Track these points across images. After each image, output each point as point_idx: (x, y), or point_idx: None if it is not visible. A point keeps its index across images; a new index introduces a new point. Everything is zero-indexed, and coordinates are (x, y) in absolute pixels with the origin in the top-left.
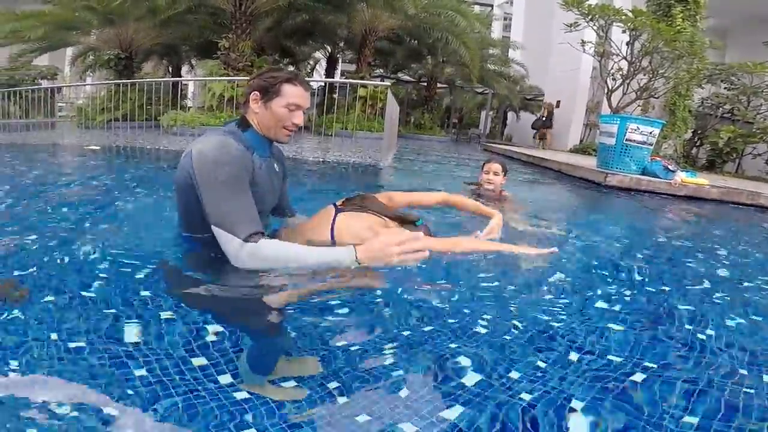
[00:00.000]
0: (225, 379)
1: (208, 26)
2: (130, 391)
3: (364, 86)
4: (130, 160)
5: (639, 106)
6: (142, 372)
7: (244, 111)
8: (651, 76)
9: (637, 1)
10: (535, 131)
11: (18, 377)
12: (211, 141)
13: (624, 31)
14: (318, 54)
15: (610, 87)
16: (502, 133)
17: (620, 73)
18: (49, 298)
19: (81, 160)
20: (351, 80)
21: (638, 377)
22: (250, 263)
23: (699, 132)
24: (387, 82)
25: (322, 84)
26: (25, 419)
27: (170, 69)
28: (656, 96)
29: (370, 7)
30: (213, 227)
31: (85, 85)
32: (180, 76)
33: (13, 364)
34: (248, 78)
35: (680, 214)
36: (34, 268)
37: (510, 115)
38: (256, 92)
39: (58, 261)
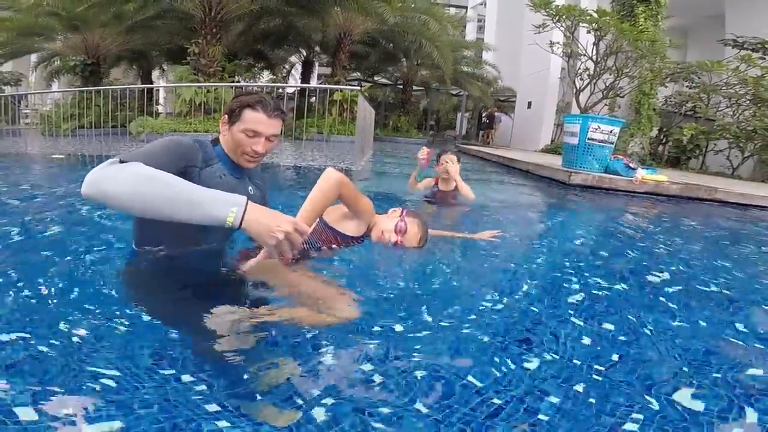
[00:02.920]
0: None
1: (178, 31)
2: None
3: (339, 90)
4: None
5: (606, 105)
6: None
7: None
8: (616, 75)
9: (603, 2)
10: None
11: None
12: (170, 137)
13: (589, 32)
14: (293, 58)
15: (578, 87)
16: (478, 135)
17: (587, 73)
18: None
19: (44, 169)
20: (321, 85)
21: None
22: (90, 182)
23: (664, 130)
24: (357, 87)
25: (298, 88)
26: None
27: (141, 74)
28: (622, 95)
29: (344, 11)
30: None
31: (49, 92)
32: (151, 82)
33: None
34: (220, 84)
35: (638, 211)
36: None
37: (485, 116)
38: (225, 115)
39: (15, 272)
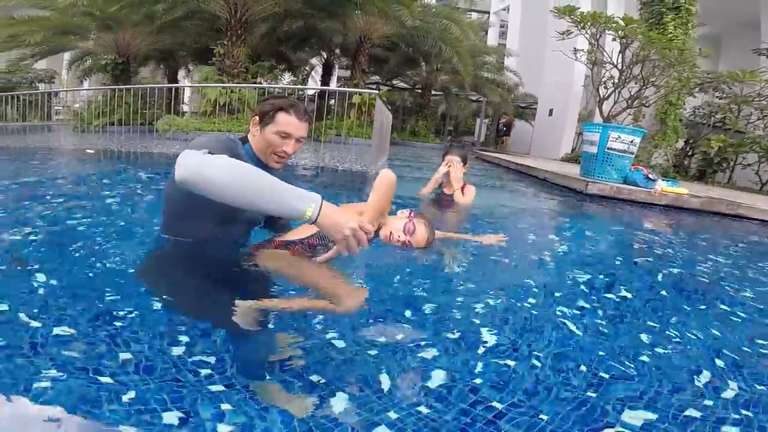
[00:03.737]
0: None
1: (205, 32)
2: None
3: (358, 93)
4: (121, 163)
5: (629, 114)
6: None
7: (247, 131)
8: (642, 84)
9: (630, 8)
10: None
11: None
12: (208, 136)
13: (614, 39)
14: (314, 60)
15: (601, 95)
16: (497, 141)
17: (611, 81)
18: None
19: (76, 163)
20: (337, 88)
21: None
22: (191, 166)
23: (691, 141)
24: (374, 90)
25: (317, 91)
26: None
27: (167, 73)
28: (647, 105)
29: (364, 14)
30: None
31: (81, 90)
32: (177, 81)
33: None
34: (243, 85)
35: (653, 223)
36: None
37: (502, 123)
38: (256, 116)
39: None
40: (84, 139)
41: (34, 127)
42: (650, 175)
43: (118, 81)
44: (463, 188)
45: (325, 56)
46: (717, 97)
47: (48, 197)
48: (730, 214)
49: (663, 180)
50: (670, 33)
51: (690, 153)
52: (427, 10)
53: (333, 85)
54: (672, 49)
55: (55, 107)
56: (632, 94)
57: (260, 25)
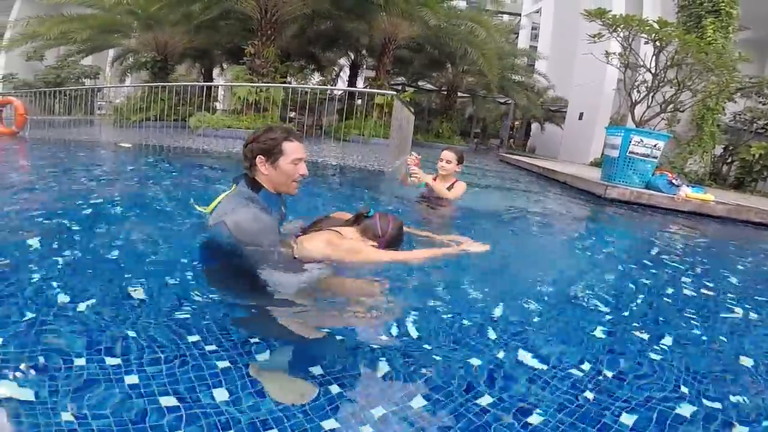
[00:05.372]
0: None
1: (238, 32)
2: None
3: (381, 94)
4: (154, 156)
5: (663, 119)
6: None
7: (252, 174)
8: (677, 88)
9: (667, 12)
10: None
11: None
12: (244, 214)
13: (647, 42)
14: (342, 61)
15: (633, 99)
16: (524, 145)
17: (645, 85)
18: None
19: (113, 155)
20: (352, 88)
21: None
22: None
23: (731, 148)
24: (393, 92)
25: (340, 91)
26: None
27: (202, 71)
28: (682, 109)
29: (388, 16)
30: None
31: (123, 86)
32: (211, 79)
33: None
34: (270, 85)
35: (672, 230)
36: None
37: (534, 126)
38: (260, 156)
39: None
40: (122, 134)
41: (78, 121)
42: (674, 181)
43: (156, 78)
44: (453, 183)
45: (352, 57)
46: (760, 102)
47: (90, 184)
48: (758, 222)
49: (688, 186)
50: (709, 37)
51: (729, 160)
52: (452, 12)
53: (359, 86)
54: (709, 53)
55: (98, 102)
56: (666, 98)
57: (290, 26)
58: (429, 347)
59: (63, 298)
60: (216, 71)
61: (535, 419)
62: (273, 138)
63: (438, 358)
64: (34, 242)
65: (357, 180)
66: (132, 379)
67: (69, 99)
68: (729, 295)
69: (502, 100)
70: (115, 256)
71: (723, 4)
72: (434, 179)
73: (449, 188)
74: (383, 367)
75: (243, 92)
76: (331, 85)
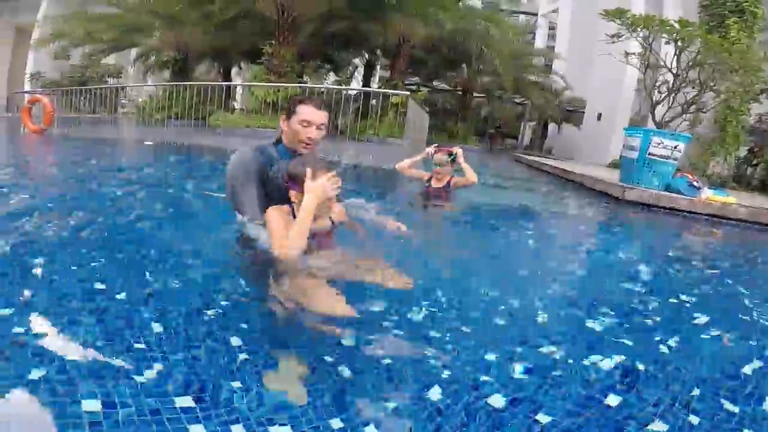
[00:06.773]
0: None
1: (256, 32)
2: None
3: (395, 94)
4: (175, 154)
5: (685, 120)
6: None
7: (280, 129)
8: (700, 89)
9: (689, 11)
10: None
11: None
12: (237, 153)
13: (668, 42)
14: (357, 60)
15: (654, 100)
16: (541, 146)
17: (666, 86)
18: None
19: (137, 152)
20: (365, 88)
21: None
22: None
23: (756, 150)
24: (406, 92)
25: (355, 91)
26: None
27: (221, 71)
28: (704, 110)
29: (403, 16)
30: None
31: (145, 85)
32: (230, 79)
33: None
34: (287, 84)
35: (692, 233)
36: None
37: (551, 126)
38: (283, 114)
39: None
40: (145, 132)
41: (103, 119)
42: (695, 183)
43: (177, 77)
44: (449, 181)
45: (367, 57)
46: None
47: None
48: None
49: (709, 188)
50: (733, 36)
51: (753, 162)
52: (466, 12)
53: (374, 86)
54: (733, 53)
55: (122, 101)
56: (688, 99)
57: (307, 26)
58: (442, 345)
59: (98, 285)
60: (234, 71)
61: (542, 418)
62: (293, 99)
63: (447, 357)
64: (65, 232)
65: (374, 179)
66: (150, 372)
67: (94, 97)
68: (756, 300)
69: (518, 101)
70: (142, 251)
71: (747, 4)
72: (429, 177)
73: (446, 185)
74: (387, 362)
75: (261, 92)
76: (346, 85)
